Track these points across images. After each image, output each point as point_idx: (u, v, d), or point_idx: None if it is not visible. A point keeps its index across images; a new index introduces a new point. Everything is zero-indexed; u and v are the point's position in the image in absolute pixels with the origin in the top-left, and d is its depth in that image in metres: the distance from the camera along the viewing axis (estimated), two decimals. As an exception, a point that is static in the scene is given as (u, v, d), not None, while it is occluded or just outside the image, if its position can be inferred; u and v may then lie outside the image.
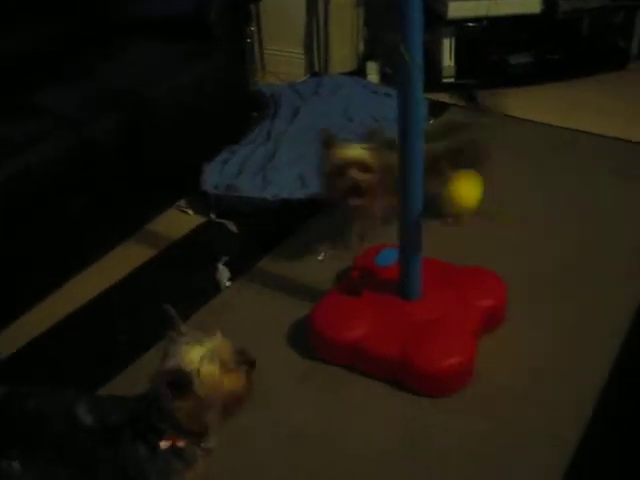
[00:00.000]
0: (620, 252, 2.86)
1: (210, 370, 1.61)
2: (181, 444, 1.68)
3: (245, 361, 1.69)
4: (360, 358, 2.35)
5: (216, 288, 2.79)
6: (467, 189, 2.46)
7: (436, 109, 3.92)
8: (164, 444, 1.66)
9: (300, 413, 2.26)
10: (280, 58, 4.54)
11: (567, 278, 2.74)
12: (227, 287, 2.79)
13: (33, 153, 2.65)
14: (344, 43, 4.43)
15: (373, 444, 2.16)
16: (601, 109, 3.93)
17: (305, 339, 2.48)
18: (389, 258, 2.56)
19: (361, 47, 4.56)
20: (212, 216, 3.20)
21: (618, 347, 2.42)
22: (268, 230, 3.11)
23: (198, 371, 1.60)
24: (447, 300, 2.44)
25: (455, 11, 4.03)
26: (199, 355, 1.61)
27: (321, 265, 2.86)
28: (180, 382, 1.59)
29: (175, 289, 2.78)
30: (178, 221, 3.22)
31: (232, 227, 3.13)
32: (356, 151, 2.60)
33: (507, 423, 2.19)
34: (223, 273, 2.85)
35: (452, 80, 4.24)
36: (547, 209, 3.11)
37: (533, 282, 2.71)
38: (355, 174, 2.56)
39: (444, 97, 4.06)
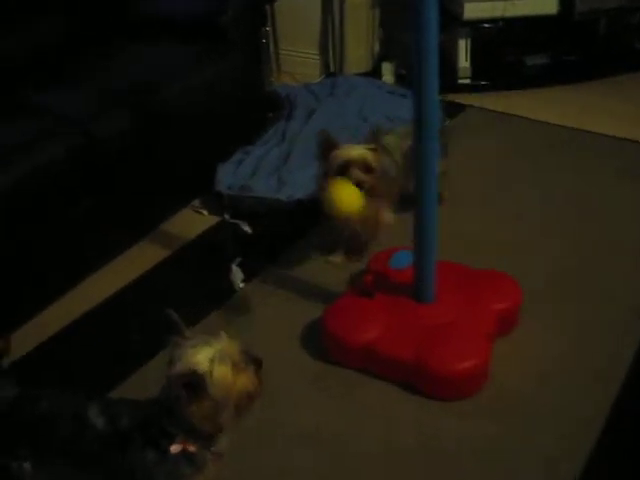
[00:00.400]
0: (628, 253, 2.84)
1: (222, 371, 1.62)
2: (192, 448, 1.68)
3: (252, 360, 1.70)
4: (373, 361, 2.34)
5: (230, 289, 2.79)
6: (347, 193, 2.53)
7: (452, 110, 3.92)
8: (175, 448, 1.67)
9: (312, 415, 2.26)
10: (295, 59, 4.53)
11: (579, 280, 2.73)
12: (241, 288, 2.79)
13: (41, 153, 2.66)
14: (359, 44, 4.43)
15: (385, 447, 2.15)
16: (615, 111, 3.90)
17: (318, 341, 2.47)
18: (403, 261, 2.55)
19: (376, 48, 4.55)
20: (226, 217, 3.20)
21: (632, 350, 2.40)
22: (282, 231, 3.11)
23: (211, 372, 1.60)
24: (461, 303, 2.43)
25: (471, 12, 4.01)
26: (209, 357, 1.62)
27: (335, 267, 2.85)
28: (195, 384, 1.60)
29: (189, 290, 2.79)
30: (192, 221, 3.22)
31: (246, 228, 3.13)
32: (358, 151, 2.61)
33: (518, 427, 2.18)
34: (237, 274, 2.85)
35: (468, 81, 4.22)
36: (560, 208, 3.10)
37: (545, 284, 2.69)
38: (357, 174, 2.57)
39: (460, 98, 4.06)
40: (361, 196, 2.53)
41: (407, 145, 2.74)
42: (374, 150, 2.63)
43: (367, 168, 2.60)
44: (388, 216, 2.81)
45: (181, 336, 1.68)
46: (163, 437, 1.67)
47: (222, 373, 1.62)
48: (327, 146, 2.65)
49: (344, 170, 2.59)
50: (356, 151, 2.61)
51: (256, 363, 1.70)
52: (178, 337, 1.68)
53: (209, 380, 1.60)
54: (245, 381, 1.67)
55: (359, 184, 2.56)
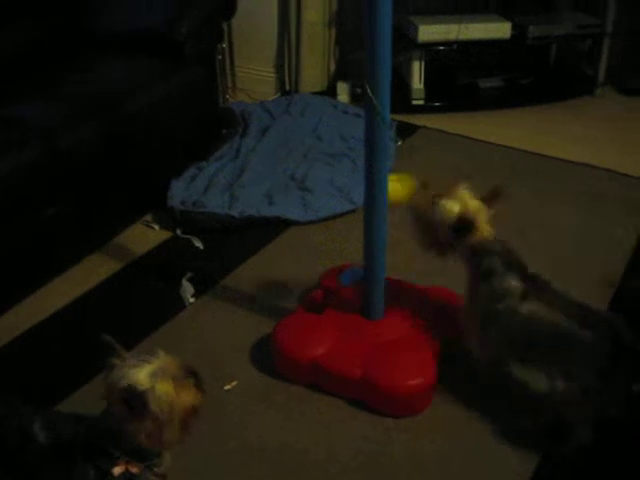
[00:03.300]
0: (586, 272, 2.88)
1: (164, 387, 1.61)
2: (135, 470, 1.66)
3: (189, 373, 1.69)
4: (321, 377, 2.34)
5: (180, 304, 2.77)
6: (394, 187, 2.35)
7: (405, 131, 3.96)
8: (117, 470, 1.65)
9: (259, 431, 2.24)
10: (251, 76, 4.56)
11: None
12: (191, 303, 2.78)
13: (5, 163, 2.63)
14: (315, 63, 4.46)
15: (334, 462, 2.14)
16: (567, 134, 3.98)
17: (268, 356, 2.47)
18: (354, 277, 2.56)
19: (332, 67, 4.59)
20: (178, 232, 3.19)
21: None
22: (234, 247, 3.10)
23: (153, 389, 1.59)
24: (410, 320, 2.44)
25: (425, 34, 4.07)
26: (149, 374, 1.61)
27: (286, 283, 2.85)
28: (137, 402, 1.58)
29: (138, 304, 2.77)
30: (144, 236, 3.20)
31: (198, 243, 3.12)
32: (467, 208, 2.19)
33: (470, 443, 2.19)
34: (187, 289, 2.84)
35: (422, 102, 4.27)
36: (512, 233, 3.12)
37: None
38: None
39: (413, 119, 4.10)
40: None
41: None
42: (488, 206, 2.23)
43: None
44: None
45: (119, 358, 1.66)
46: (104, 457, 1.66)
47: (164, 389, 1.61)
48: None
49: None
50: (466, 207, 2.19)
51: (193, 376, 1.69)
52: (115, 359, 1.66)
53: (151, 397, 1.59)
54: (187, 395, 1.66)
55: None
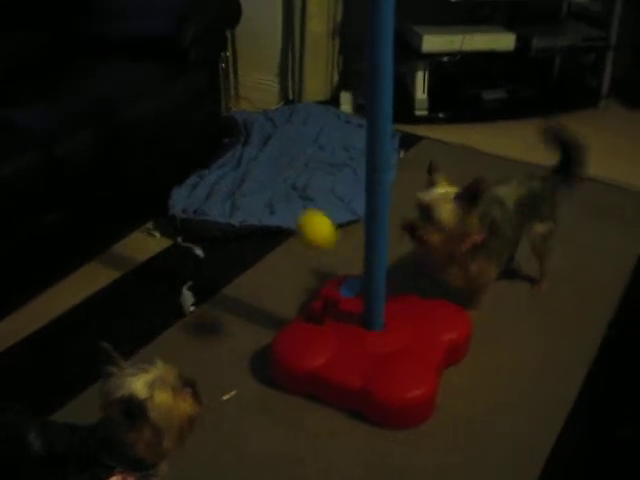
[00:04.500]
0: (586, 286, 2.87)
1: (163, 396, 1.60)
2: (131, 479, 1.65)
3: (187, 383, 1.68)
4: (320, 388, 2.32)
5: (179, 312, 2.76)
6: (318, 224, 2.24)
7: (408, 141, 3.95)
8: None
9: (257, 441, 2.23)
10: (254, 85, 4.55)
11: (532, 311, 2.75)
12: (190, 312, 2.77)
13: (2, 168, 2.62)
14: (319, 72, 4.45)
15: (332, 474, 2.13)
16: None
17: (267, 367, 2.45)
18: (354, 288, 2.55)
19: (335, 77, 4.59)
20: (179, 240, 3.18)
21: (581, 380, 2.42)
22: (234, 256, 3.09)
23: (151, 398, 1.58)
24: (410, 332, 2.43)
25: (429, 45, 4.06)
26: (148, 383, 1.60)
27: (286, 293, 2.84)
28: (135, 411, 1.57)
29: (138, 312, 2.76)
30: (145, 244, 3.19)
31: (198, 252, 3.11)
32: (428, 196, 2.32)
33: (469, 456, 2.18)
34: (187, 297, 2.82)
35: (425, 113, 4.26)
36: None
37: (498, 316, 2.70)
38: (417, 218, 2.33)
39: (416, 130, 4.09)
40: (331, 230, 2.23)
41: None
42: (462, 204, 2.29)
43: (430, 217, 2.30)
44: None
45: (116, 367, 1.65)
46: (101, 468, 1.64)
47: (163, 398, 1.60)
48: (428, 179, 2.37)
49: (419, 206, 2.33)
50: (428, 195, 2.33)
51: (190, 385, 1.68)
52: (113, 368, 1.65)
53: (150, 406, 1.58)
54: (185, 405, 1.65)
55: (411, 226, 2.33)
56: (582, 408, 2.32)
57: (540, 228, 2.68)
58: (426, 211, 2.30)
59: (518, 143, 4.00)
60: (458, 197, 2.29)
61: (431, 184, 2.35)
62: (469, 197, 2.28)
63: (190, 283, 2.90)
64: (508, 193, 2.57)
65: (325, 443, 2.23)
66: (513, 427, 2.26)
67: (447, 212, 2.29)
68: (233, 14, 3.66)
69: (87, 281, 2.92)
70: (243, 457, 2.18)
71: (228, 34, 4.10)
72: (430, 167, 2.38)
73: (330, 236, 2.22)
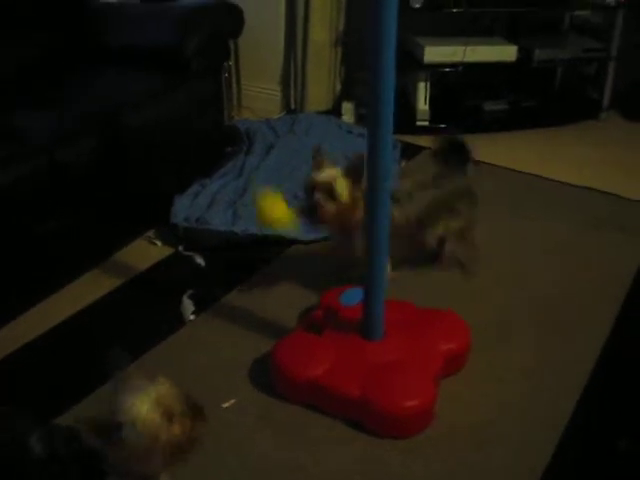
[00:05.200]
0: (586, 297, 2.88)
1: (150, 418, 1.58)
2: None
3: (191, 408, 1.64)
4: (319, 397, 2.33)
5: (180, 321, 2.77)
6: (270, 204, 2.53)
7: (409, 152, 3.96)
8: None
9: (257, 450, 2.23)
10: (257, 94, 4.57)
11: (531, 321, 2.75)
12: (191, 321, 2.77)
13: (6, 175, 2.63)
14: (321, 82, 4.47)
15: (330, 483, 2.14)
16: (571, 158, 3.98)
17: (267, 376, 2.46)
18: (354, 297, 2.55)
19: (337, 87, 4.60)
20: (180, 248, 3.19)
21: (581, 390, 2.43)
22: (236, 265, 3.10)
23: (137, 421, 1.57)
24: (409, 342, 2.43)
25: (431, 56, 4.08)
26: (140, 404, 1.58)
27: (287, 302, 2.85)
28: (112, 431, 1.57)
29: (138, 320, 2.77)
30: (146, 252, 3.20)
31: (200, 260, 3.12)
32: (325, 176, 2.56)
33: (469, 463, 2.18)
34: (187, 306, 2.83)
35: (426, 123, 4.28)
36: (513, 256, 3.13)
37: (497, 327, 2.71)
38: (318, 197, 2.54)
39: (418, 140, 4.10)
40: (286, 211, 2.53)
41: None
42: (350, 180, 2.54)
43: (331, 195, 2.54)
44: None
45: (123, 371, 1.64)
46: (101, 474, 1.65)
47: (148, 421, 1.57)
48: (314, 163, 2.61)
49: (312, 189, 2.56)
50: (324, 175, 2.56)
51: (196, 410, 1.65)
52: (120, 372, 1.64)
53: (135, 429, 1.56)
54: (176, 431, 1.61)
55: (314, 207, 2.54)
56: (581, 418, 2.33)
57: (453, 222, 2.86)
58: (326, 189, 2.53)
59: (519, 154, 4.02)
60: (346, 173, 2.55)
61: (318, 167, 2.58)
62: (355, 172, 2.51)
63: (191, 291, 2.91)
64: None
65: (325, 451, 2.23)
66: (512, 435, 2.27)
67: (344, 187, 2.54)
68: (236, 24, 3.68)
69: (88, 288, 2.93)
70: (243, 465, 2.18)
71: (231, 43, 4.11)
72: (315, 151, 2.63)
73: (284, 215, 2.51)
